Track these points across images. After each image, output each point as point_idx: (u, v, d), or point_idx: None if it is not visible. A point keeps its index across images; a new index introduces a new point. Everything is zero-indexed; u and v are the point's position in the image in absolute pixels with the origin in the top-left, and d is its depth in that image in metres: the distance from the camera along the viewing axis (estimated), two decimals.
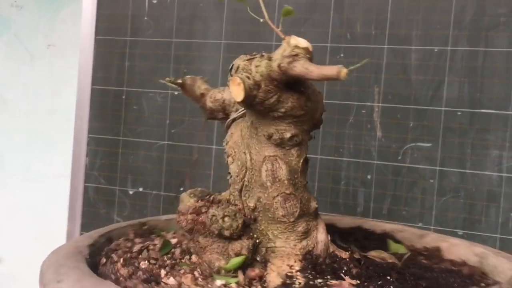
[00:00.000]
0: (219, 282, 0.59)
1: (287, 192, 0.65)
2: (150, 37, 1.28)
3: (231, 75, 0.63)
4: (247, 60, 0.63)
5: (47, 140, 1.43)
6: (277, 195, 0.65)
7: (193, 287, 0.58)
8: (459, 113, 1.08)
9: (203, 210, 0.65)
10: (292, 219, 0.65)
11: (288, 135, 0.65)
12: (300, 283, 0.59)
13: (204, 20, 1.24)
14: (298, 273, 0.62)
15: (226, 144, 0.72)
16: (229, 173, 0.70)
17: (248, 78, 0.61)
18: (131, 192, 1.30)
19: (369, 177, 1.13)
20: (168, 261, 0.64)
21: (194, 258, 0.65)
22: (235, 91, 0.60)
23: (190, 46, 1.25)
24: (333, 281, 0.60)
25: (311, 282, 0.59)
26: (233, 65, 0.65)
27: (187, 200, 0.66)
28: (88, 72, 1.32)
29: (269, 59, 0.62)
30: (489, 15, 1.06)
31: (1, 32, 1.43)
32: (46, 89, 1.42)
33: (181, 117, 1.26)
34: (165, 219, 0.83)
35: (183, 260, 0.65)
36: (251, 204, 0.66)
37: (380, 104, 1.13)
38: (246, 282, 0.60)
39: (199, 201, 0.66)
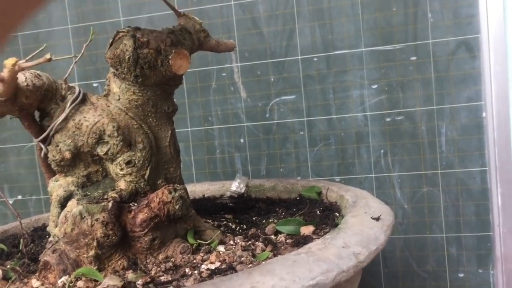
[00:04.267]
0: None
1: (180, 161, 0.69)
2: None
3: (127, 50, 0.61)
4: (171, 33, 0.63)
5: None
6: (179, 165, 0.68)
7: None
8: (315, 59, 1.05)
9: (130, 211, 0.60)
10: None
11: (176, 108, 0.68)
12: None
13: (46, 7, 1.15)
14: None
15: (113, 134, 0.63)
16: (129, 162, 0.63)
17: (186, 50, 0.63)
18: (10, 202, 1.23)
19: (242, 140, 1.10)
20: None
21: (161, 256, 0.61)
22: (180, 64, 0.62)
23: (38, 37, 1.16)
24: None
25: None
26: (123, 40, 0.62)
27: (97, 209, 0.58)
28: None
29: (188, 32, 0.66)
30: None
31: None
32: None
33: None
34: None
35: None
36: (163, 183, 0.65)
37: (238, 64, 1.08)
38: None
39: (110, 204, 0.59)
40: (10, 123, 1.20)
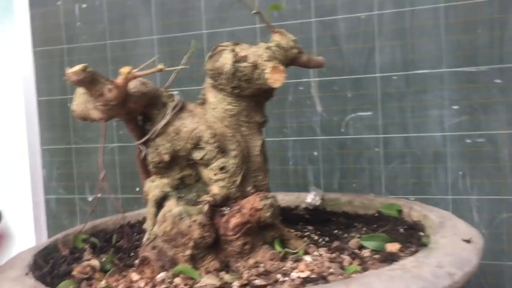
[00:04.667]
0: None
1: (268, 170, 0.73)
2: (85, 42, 1.27)
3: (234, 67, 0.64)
4: (267, 48, 0.67)
5: (3, 157, 1.43)
6: (267, 174, 0.71)
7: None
8: (394, 77, 1.05)
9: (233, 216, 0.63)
10: None
11: (267, 120, 0.72)
12: None
13: (134, 18, 1.23)
14: None
15: (210, 141, 0.66)
16: (222, 168, 0.66)
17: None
18: (90, 199, 1.30)
19: (315, 153, 1.12)
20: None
21: (251, 260, 0.63)
22: (275, 78, 0.65)
23: (124, 46, 1.24)
24: None
25: None
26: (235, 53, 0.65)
27: (194, 210, 0.62)
28: (32, 84, 1.32)
29: (282, 48, 0.68)
30: None
31: None
32: None
33: None
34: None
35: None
36: (252, 190, 0.68)
37: (316, 79, 1.10)
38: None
39: (207, 207, 0.63)
40: (95, 125, 1.28)
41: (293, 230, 0.71)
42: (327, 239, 0.70)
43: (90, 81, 0.60)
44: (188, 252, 0.62)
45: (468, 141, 1.01)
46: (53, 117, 1.32)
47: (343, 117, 1.09)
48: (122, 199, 1.27)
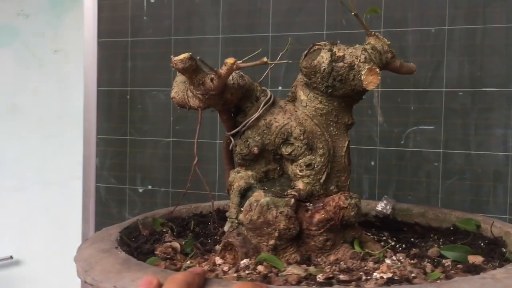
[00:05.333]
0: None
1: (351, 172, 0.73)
2: (150, 37, 1.30)
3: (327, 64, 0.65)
4: (364, 50, 0.67)
5: (58, 143, 1.47)
6: (349, 175, 0.72)
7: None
8: (460, 93, 1.05)
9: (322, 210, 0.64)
10: None
11: (354, 121, 0.73)
12: None
13: (201, 16, 1.25)
14: None
15: (299, 137, 0.67)
16: (309, 165, 0.67)
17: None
18: (140, 190, 1.32)
19: (372, 163, 1.12)
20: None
21: (332, 257, 0.64)
22: (370, 80, 0.66)
23: (189, 43, 1.26)
24: None
25: None
26: (330, 51, 0.66)
27: (281, 202, 0.63)
28: (93, 74, 1.35)
29: (378, 51, 0.69)
30: None
31: (10, 41, 1.48)
32: (54, 94, 1.46)
33: (184, 113, 1.27)
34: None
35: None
36: (335, 190, 0.69)
37: (379, 89, 1.11)
38: None
39: (293, 200, 0.64)
40: (152, 118, 1.30)
41: (369, 234, 0.72)
42: (404, 246, 0.70)
43: (194, 70, 0.61)
44: (272, 242, 0.63)
45: None
46: (111, 108, 1.35)
47: (404, 129, 1.10)
48: (173, 192, 1.29)
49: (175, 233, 0.74)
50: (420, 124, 1.08)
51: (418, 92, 1.08)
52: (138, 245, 0.66)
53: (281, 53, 0.72)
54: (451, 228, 0.79)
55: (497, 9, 1.02)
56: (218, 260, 0.63)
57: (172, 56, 0.62)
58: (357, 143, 1.13)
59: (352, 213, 0.65)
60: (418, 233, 0.76)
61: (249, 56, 0.64)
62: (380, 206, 0.86)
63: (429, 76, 1.07)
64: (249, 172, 0.69)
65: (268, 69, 0.73)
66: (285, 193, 0.66)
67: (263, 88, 0.70)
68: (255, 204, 0.64)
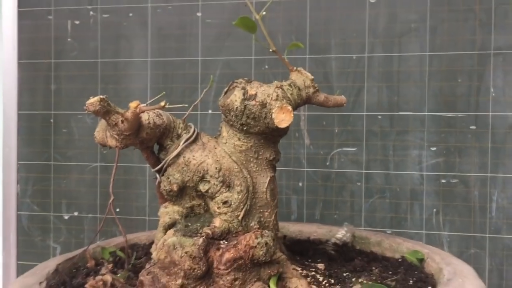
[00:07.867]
0: None
1: (277, 207, 0.74)
2: (75, 59, 1.26)
3: (247, 104, 0.66)
4: (278, 88, 0.68)
5: None
6: (276, 211, 0.72)
7: None
8: (379, 117, 1.12)
9: (212, 249, 0.64)
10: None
11: (278, 156, 0.74)
12: None
13: (129, 39, 1.24)
14: None
15: (215, 175, 0.68)
16: (225, 202, 0.68)
17: (290, 105, 0.67)
18: (66, 217, 1.28)
19: (300, 184, 1.16)
20: None
21: None
22: (281, 118, 0.65)
23: (117, 65, 1.24)
24: None
25: None
26: (246, 93, 0.67)
27: (188, 242, 0.63)
28: (13, 97, 1.29)
29: (296, 87, 0.70)
30: (401, 22, 1.11)
31: None
32: None
33: None
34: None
35: None
36: (256, 226, 0.69)
37: (306, 113, 1.16)
38: None
39: (201, 240, 0.64)
40: (77, 143, 1.27)
41: (299, 269, 0.73)
42: (332, 281, 0.72)
43: (105, 112, 0.62)
44: (179, 281, 0.63)
45: (443, 181, 1.09)
46: (33, 132, 1.29)
47: (329, 151, 1.15)
48: (101, 219, 1.26)
49: (118, 264, 0.72)
50: (343, 146, 1.14)
51: (342, 116, 1.14)
52: (64, 280, 0.65)
53: (204, 90, 0.73)
54: (399, 260, 0.81)
55: (412, 38, 1.10)
56: None
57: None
58: (285, 165, 1.16)
59: (261, 252, 0.65)
60: (360, 266, 0.77)
61: (154, 98, 0.65)
62: (341, 233, 0.88)
63: (351, 101, 1.13)
64: (176, 208, 0.70)
65: (189, 109, 0.74)
66: (200, 231, 0.66)
67: (188, 124, 0.71)
68: (162, 243, 0.65)
